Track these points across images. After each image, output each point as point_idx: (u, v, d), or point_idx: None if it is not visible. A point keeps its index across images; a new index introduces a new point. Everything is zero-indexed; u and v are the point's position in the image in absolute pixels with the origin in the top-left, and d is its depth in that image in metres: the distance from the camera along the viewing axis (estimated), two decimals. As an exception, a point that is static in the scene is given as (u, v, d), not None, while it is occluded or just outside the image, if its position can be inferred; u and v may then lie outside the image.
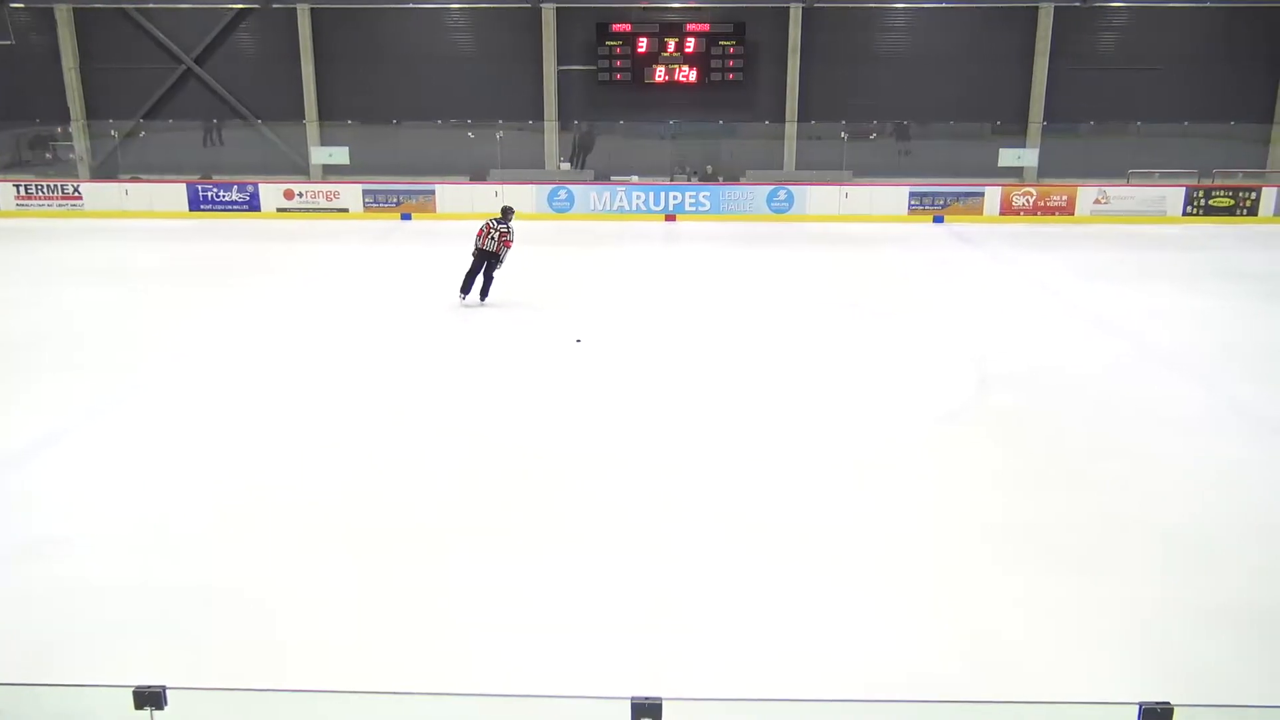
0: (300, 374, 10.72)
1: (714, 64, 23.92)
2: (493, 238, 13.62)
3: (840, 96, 24.15)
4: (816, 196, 21.93)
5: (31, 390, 10.05)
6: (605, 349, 11.66)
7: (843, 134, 23.36)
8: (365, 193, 22.25)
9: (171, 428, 9.03)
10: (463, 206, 22.01)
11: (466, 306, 13.80)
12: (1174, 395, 9.82)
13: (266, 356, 11.48)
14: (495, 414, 9.45)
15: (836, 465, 8.14)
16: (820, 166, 23.51)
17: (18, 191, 22.15)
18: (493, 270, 13.75)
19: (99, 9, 23.21)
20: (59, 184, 22.36)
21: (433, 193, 22.20)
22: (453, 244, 19.07)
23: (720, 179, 23.27)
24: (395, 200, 22.17)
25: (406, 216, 22.06)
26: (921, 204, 21.83)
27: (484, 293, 13.80)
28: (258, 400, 9.83)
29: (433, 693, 3.96)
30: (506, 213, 13.94)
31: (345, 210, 22.21)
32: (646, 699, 2.79)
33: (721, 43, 23.74)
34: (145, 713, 2.42)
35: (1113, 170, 22.30)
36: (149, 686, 2.38)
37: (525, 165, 23.66)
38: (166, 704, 2.41)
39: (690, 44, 23.82)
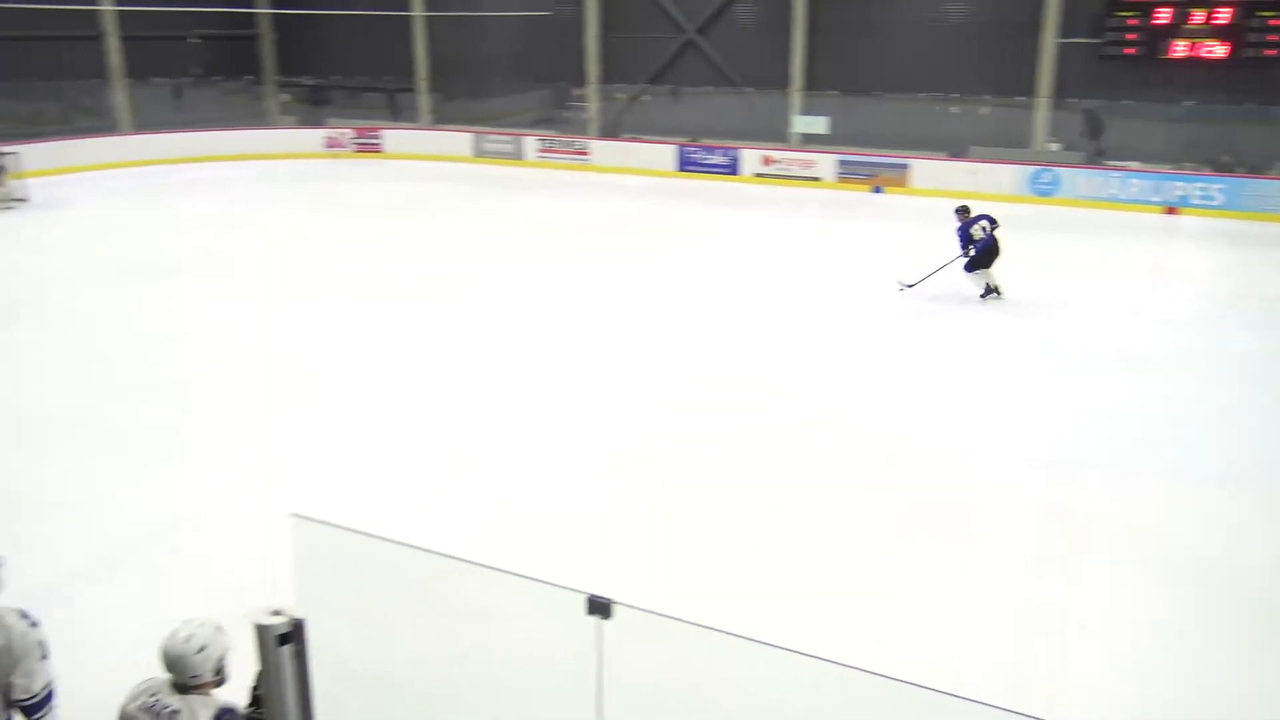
0: (696, 335, 11.46)
1: (1250, 38, 21.09)
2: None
3: None
4: (1364, 197, 18.70)
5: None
6: (1077, 354, 11.05)
7: None
8: (840, 163, 22.73)
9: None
10: (936, 183, 21.73)
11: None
12: None
13: (681, 318, 12.37)
14: (896, 407, 9.43)
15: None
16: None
17: (540, 145, 25.54)
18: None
19: (622, -19, 25.84)
20: (572, 140, 25.48)
21: (907, 167, 22.10)
22: (921, 221, 18.99)
23: (1239, 170, 20.63)
24: (868, 172, 22.37)
25: (878, 190, 22.22)
26: None
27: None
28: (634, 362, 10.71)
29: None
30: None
31: (818, 179, 22.87)
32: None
33: (1260, 13, 20.84)
34: (593, 620, 2.54)
35: None
36: (601, 597, 2.53)
37: (1008, 143, 22.67)
38: (612, 616, 2.53)
39: (1222, 14, 21.20)
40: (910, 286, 13.20)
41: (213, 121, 26.66)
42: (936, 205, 20.78)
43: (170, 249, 16.16)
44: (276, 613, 2.97)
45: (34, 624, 3.67)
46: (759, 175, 23.65)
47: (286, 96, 29.28)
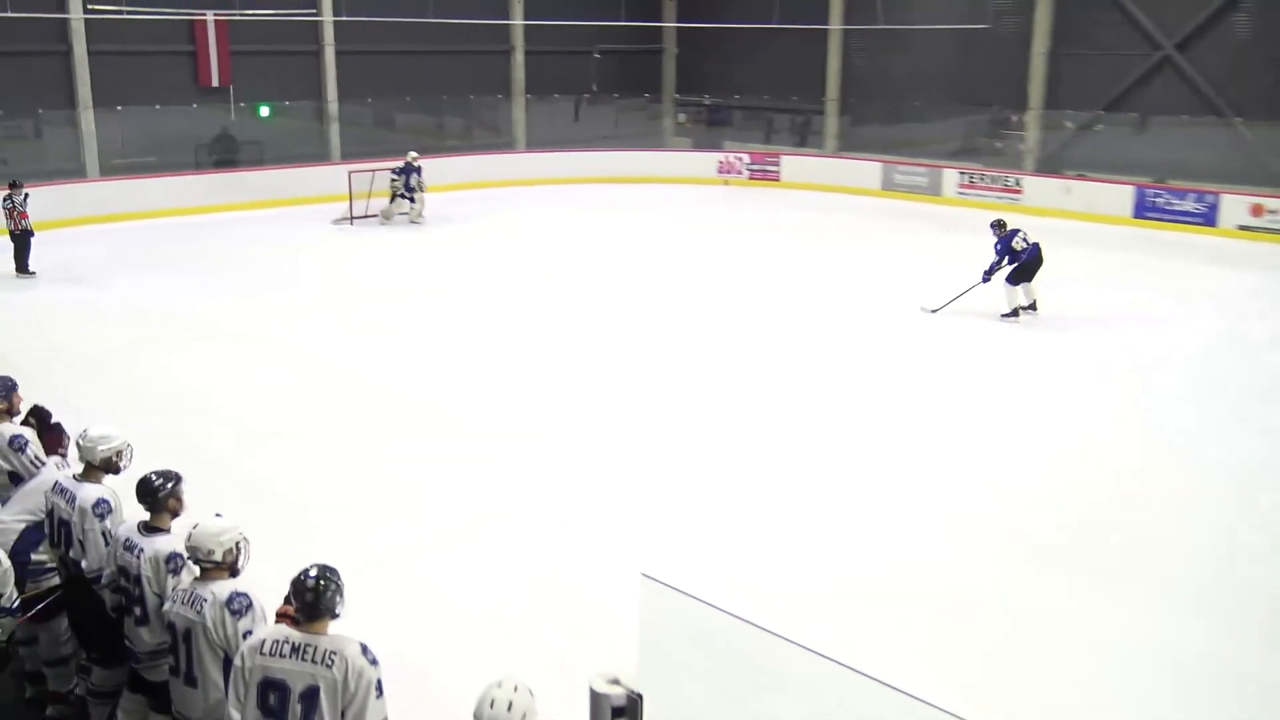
0: None
1: None
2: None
3: None
4: None
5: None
6: None
7: None
8: (1367, 216, 18.79)
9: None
10: None
11: None
12: None
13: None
14: None
15: None
16: None
17: (962, 179, 23.82)
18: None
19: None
20: (1002, 175, 23.55)
21: None
22: None
23: None
24: None
25: None
26: None
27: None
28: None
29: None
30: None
31: (1322, 236, 19.21)
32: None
33: None
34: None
35: None
36: None
37: None
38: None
39: None
40: (934, 311, 13.96)
41: (605, 141, 27.44)
42: None
43: (531, 267, 17.27)
44: (614, 681, 3.18)
45: (373, 661, 3.93)
46: (1243, 228, 20.53)
47: (683, 116, 29.68)
